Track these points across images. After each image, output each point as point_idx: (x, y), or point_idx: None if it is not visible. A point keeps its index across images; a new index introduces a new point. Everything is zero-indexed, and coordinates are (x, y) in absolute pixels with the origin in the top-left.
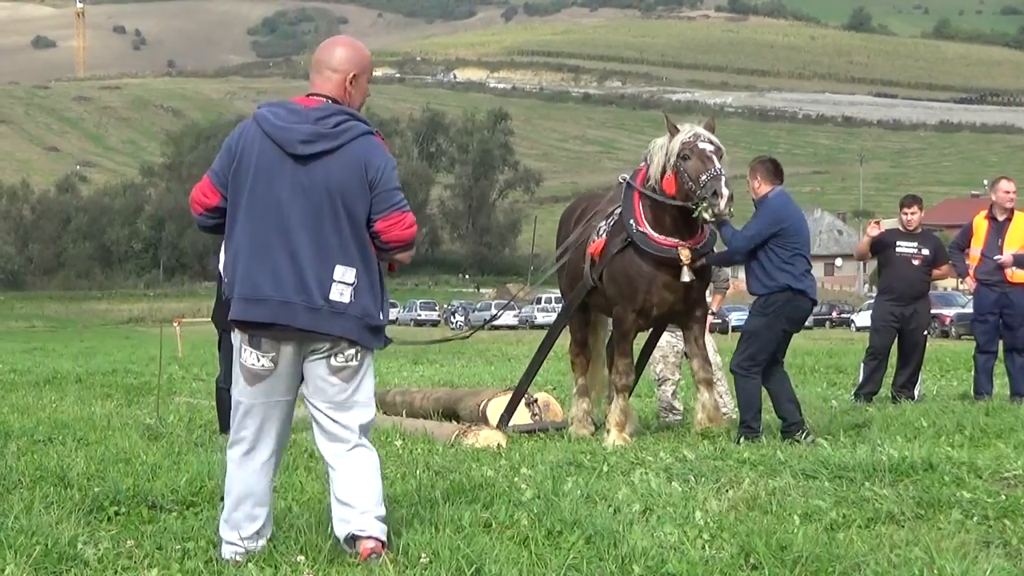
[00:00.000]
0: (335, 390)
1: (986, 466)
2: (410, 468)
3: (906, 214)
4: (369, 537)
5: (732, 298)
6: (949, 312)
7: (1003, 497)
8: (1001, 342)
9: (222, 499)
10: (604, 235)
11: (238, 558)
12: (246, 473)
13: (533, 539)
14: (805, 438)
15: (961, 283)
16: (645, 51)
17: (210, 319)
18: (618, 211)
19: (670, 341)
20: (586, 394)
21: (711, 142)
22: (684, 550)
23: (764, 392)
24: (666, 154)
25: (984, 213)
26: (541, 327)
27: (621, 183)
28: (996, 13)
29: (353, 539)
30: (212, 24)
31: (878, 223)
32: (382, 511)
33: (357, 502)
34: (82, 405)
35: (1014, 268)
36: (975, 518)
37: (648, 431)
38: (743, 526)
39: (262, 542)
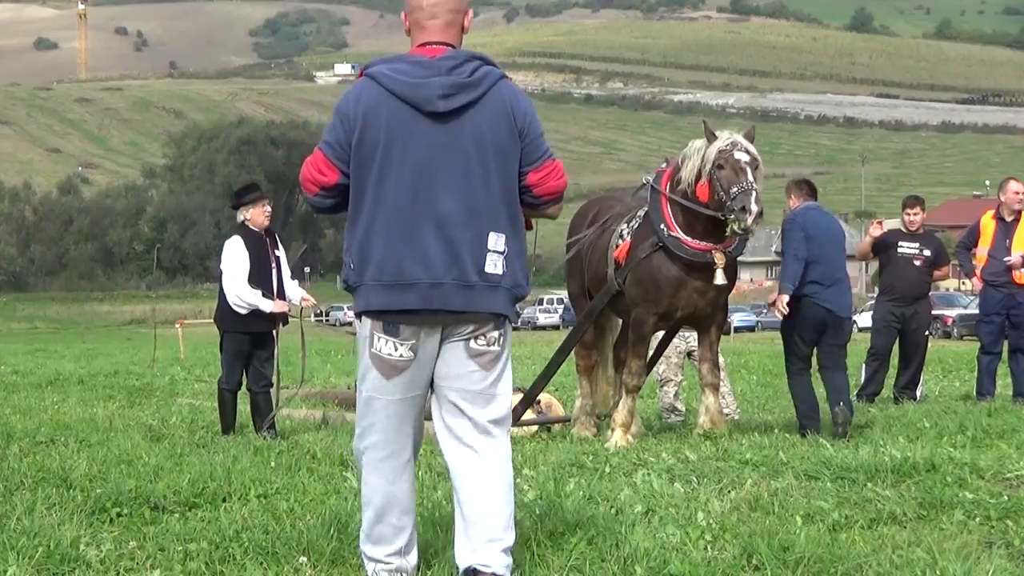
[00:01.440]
0: (472, 378)
1: (988, 467)
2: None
3: (908, 215)
4: (492, 574)
5: (732, 299)
6: (951, 313)
7: (1006, 498)
8: (1006, 343)
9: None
10: (628, 238)
11: None
12: (387, 478)
13: (535, 540)
14: (841, 429)
15: (963, 283)
16: (647, 52)
17: (212, 320)
18: (642, 213)
19: (673, 342)
20: (591, 395)
21: (747, 152)
22: (686, 551)
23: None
24: (702, 160)
25: (991, 213)
26: (543, 328)
27: (646, 183)
28: (998, 13)
29: (474, 572)
30: (214, 25)
31: (880, 223)
32: (511, 538)
33: (484, 526)
34: (84, 406)
35: (1023, 270)
36: (977, 519)
37: (650, 432)
38: (745, 527)
39: (412, 559)
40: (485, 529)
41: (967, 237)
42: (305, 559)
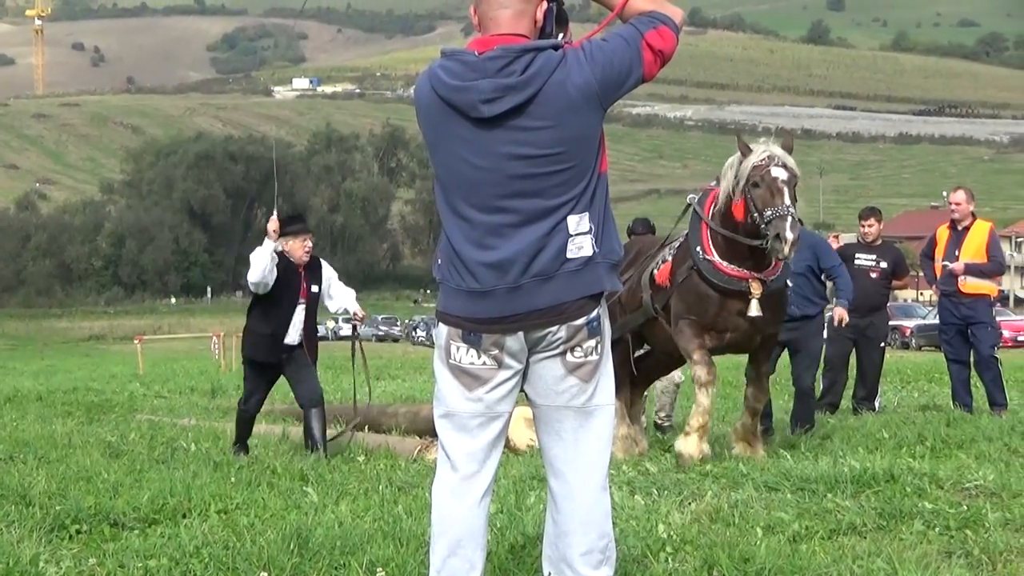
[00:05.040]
0: (572, 392)
1: (947, 477)
2: (373, 483)
3: (864, 227)
4: None
5: None
6: (910, 323)
7: (964, 508)
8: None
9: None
10: (669, 260)
11: None
12: (464, 506)
13: (497, 554)
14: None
15: (921, 294)
16: None
17: (167, 336)
18: (683, 235)
19: (670, 377)
20: (625, 415)
21: (785, 167)
22: (647, 563)
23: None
24: (735, 176)
25: (947, 223)
26: None
27: (690, 203)
28: (954, 25)
29: None
30: (171, 41)
31: (837, 236)
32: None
33: (575, 561)
34: (43, 423)
35: (966, 278)
36: (937, 529)
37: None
38: (706, 539)
39: None
40: (579, 567)
41: (927, 246)
42: (266, 574)
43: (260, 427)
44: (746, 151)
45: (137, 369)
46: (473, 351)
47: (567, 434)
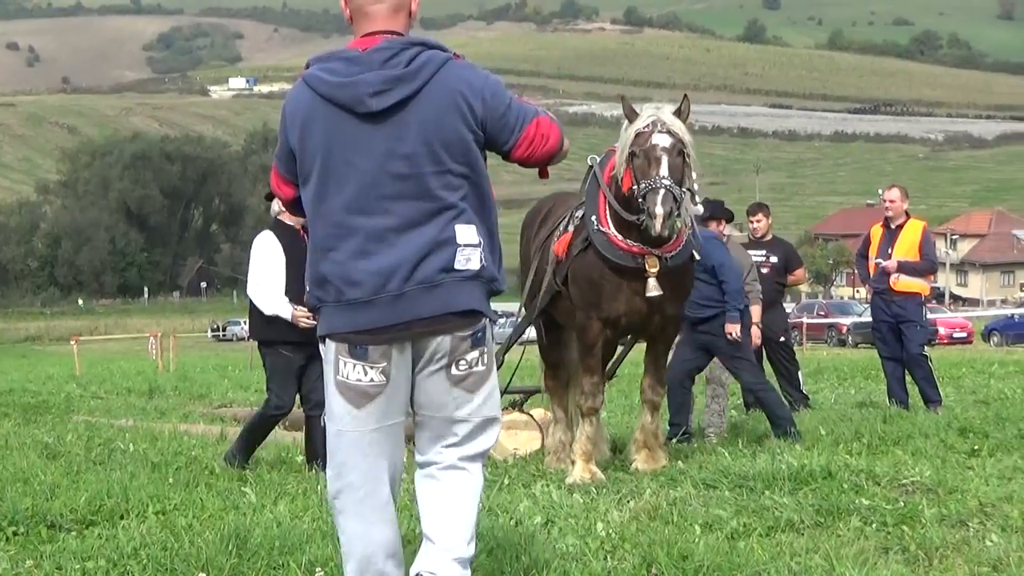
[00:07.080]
0: (456, 403)
1: (884, 473)
2: (311, 483)
3: (752, 223)
4: None
5: None
6: (846, 321)
7: (901, 504)
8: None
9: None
10: (570, 230)
11: None
12: (366, 523)
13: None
14: None
15: (858, 291)
16: (541, 64)
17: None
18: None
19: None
20: (565, 420)
21: (669, 133)
22: (586, 561)
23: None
24: (621, 144)
25: (881, 221)
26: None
27: (591, 165)
28: (888, 24)
29: None
30: (107, 41)
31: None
32: (469, 551)
33: (440, 538)
34: None
35: (899, 276)
36: (874, 525)
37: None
38: (644, 536)
39: None
40: (442, 540)
41: (862, 246)
42: (204, 575)
43: (198, 427)
44: (632, 115)
45: (74, 370)
46: (360, 367)
47: (449, 444)
